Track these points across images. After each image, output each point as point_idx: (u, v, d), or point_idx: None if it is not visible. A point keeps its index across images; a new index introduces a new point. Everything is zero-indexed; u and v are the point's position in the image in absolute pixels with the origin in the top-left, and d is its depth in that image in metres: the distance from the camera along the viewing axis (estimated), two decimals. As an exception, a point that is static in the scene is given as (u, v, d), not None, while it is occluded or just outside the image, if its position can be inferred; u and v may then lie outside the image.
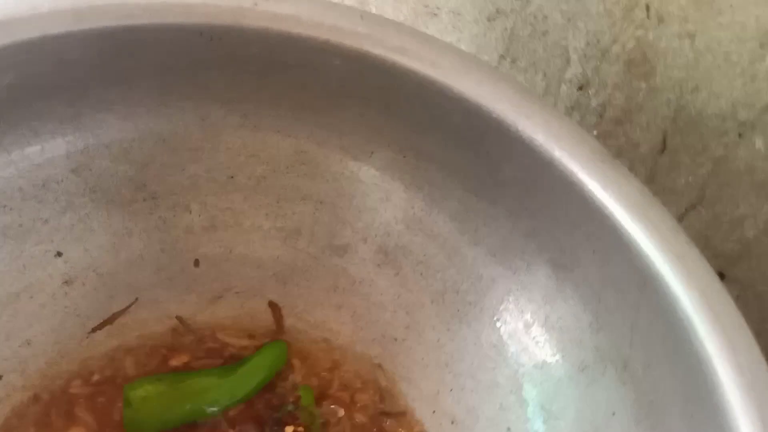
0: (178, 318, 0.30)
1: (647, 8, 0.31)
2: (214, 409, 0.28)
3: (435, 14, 0.37)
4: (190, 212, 0.30)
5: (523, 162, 0.26)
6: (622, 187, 0.24)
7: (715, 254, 0.41)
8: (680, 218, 0.40)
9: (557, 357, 0.28)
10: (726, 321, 0.22)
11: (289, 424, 0.27)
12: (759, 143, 0.34)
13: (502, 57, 0.36)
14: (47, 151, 0.26)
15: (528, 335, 0.29)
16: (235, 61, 0.27)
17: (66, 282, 0.28)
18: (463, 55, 0.26)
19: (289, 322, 0.31)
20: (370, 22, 0.26)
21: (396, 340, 0.31)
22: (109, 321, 0.29)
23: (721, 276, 0.43)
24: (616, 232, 0.24)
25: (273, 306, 0.31)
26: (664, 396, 0.24)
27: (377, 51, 0.26)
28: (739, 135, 0.34)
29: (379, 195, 0.30)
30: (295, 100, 0.29)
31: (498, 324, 0.29)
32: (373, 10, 0.39)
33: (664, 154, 0.37)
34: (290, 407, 0.28)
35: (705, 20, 0.30)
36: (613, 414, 0.25)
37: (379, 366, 0.31)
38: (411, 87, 0.26)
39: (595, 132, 0.37)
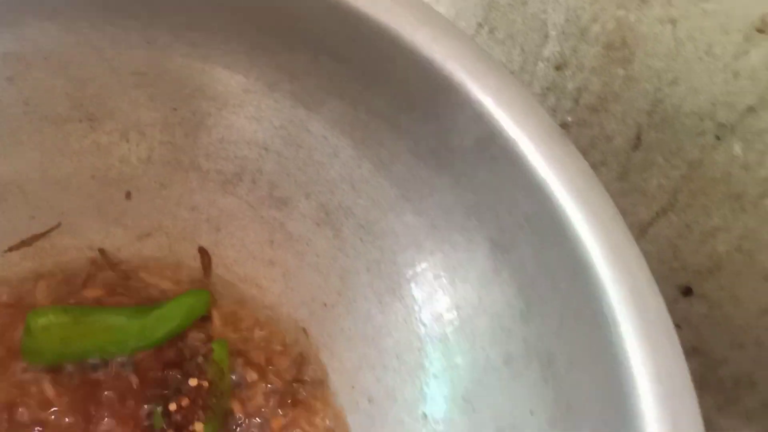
0: (101, 250, 0.29)
1: (633, -12, 0.29)
2: (120, 350, 0.26)
3: (417, -27, 0.35)
4: (128, 141, 0.29)
5: (471, 129, 0.24)
6: (567, 168, 0.22)
7: (683, 266, 0.39)
8: (650, 223, 0.38)
9: (485, 346, 0.26)
10: (653, 327, 0.20)
11: (193, 377, 0.26)
12: (737, 149, 0.32)
13: (480, 25, 0.34)
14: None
15: (459, 317, 0.27)
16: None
17: (-13, 194, 0.27)
18: (422, 6, 0.25)
19: (217, 271, 0.30)
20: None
21: (325, 305, 0.30)
22: (27, 242, 0.28)
23: (689, 291, 0.41)
24: (556, 215, 0.22)
25: (203, 252, 0.30)
26: (581, 400, 0.22)
27: (334, -7, 0.24)
28: (717, 137, 0.32)
29: (328, 150, 0.29)
30: (249, 37, 0.27)
31: (430, 301, 0.28)
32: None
33: (638, 151, 0.35)
34: (200, 359, 0.27)
35: (688, 5, 0.28)
36: (531, 413, 0.24)
37: (304, 331, 0.30)
38: (365, 33, 0.25)
39: (569, 118, 0.36)
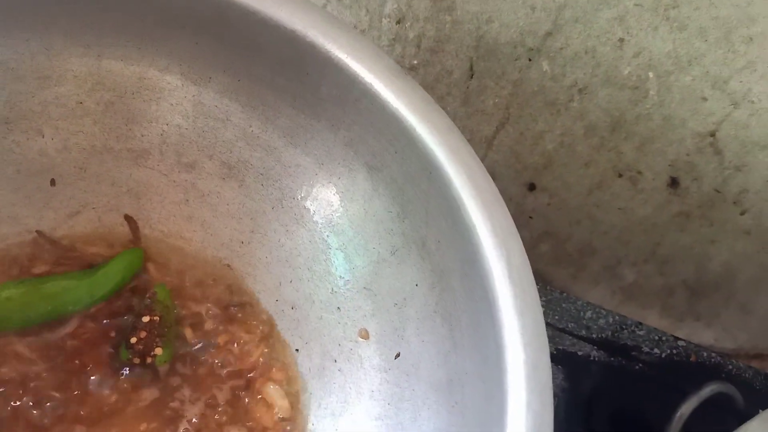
0: (38, 232, 0.33)
1: (442, -50, 0.36)
2: (76, 307, 0.31)
3: (267, -46, 0.40)
4: (43, 136, 0.33)
5: (335, 80, 0.31)
6: (410, 96, 0.29)
7: (525, 167, 0.48)
8: (493, 135, 0.47)
9: (375, 245, 0.33)
10: (487, 196, 0.28)
11: (145, 316, 0.31)
12: (545, 66, 0.40)
13: (328, -5, 0.40)
14: None
15: (352, 229, 0.34)
16: (75, -6, 0.30)
17: (-75, 201, 0.30)
18: (280, -12, 0.31)
19: (144, 232, 0.35)
20: (197, -41, 0.30)
21: (242, 243, 0.36)
22: (-30, 236, 0.32)
23: (532, 186, 0.50)
24: (407, 133, 0.29)
25: (129, 219, 0.35)
26: (448, 263, 0.30)
27: (204, -17, 0.30)
28: (529, 60, 0.40)
29: (220, 116, 0.34)
30: (136, 31, 0.32)
31: (328, 223, 0.34)
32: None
33: (473, 79, 0.43)
34: (147, 302, 0.32)
35: (487, -39, 0.36)
36: (416, 285, 0.31)
37: (228, 266, 0.35)
38: (236, 17, 0.30)
39: (415, 61, 0.43)
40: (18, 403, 0.28)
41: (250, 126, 0.34)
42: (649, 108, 0.41)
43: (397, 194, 0.32)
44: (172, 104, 0.34)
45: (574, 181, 0.48)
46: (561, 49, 0.39)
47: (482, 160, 0.48)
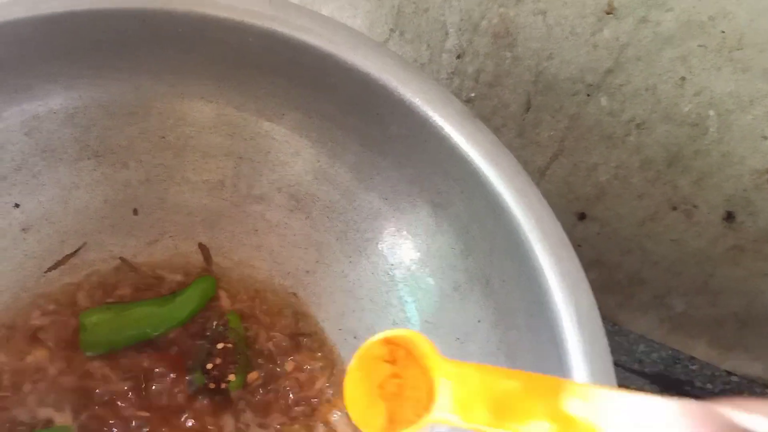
0: (121, 258, 0.35)
1: (508, -9, 0.37)
2: (156, 332, 0.33)
3: (335, -6, 0.42)
4: (128, 168, 0.35)
5: (405, 121, 0.32)
6: (478, 139, 0.30)
7: (576, 197, 0.49)
8: (546, 167, 0.48)
9: (437, 280, 0.34)
10: (555, 240, 0.29)
11: (220, 342, 0.33)
12: (604, 101, 0.41)
13: (392, 30, 0.42)
14: (4, 117, 0.30)
15: (413, 263, 0.35)
16: (163, 39, 0.32)
17: (24, 229, 0.33)
18: (354, 33, 0.32)
19: (216, 260, 0.37)
20: (276, 6, 0.31)
21: (308, 272, 0.37)
22: (61, 262, 0.34)
23: (583, 216, 0.51)
24: (476, 175, 0.30)
25: (202, 247, 0.37)
26: (514, 302, 0.31)
27: (283, 30, 0.31)
28: (588, 95, 0.41)
29: (290, 150, 0.36)
30: (216, 72, 0.34)
31: (390, 255, 0.36)
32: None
33: (530, 112, 0.44)
34: (220, 329, 0.34)
35: (552, 0, 0.37)
36: (479, 321, 0.32)
37: (294, 294, 0.37)
38: (312, 60, 0.32)
39: (473, 94, 0.44)
40: (112, 421, 0.30)
41: (318, 161, 0.36)
42: (707, 144, 0.41)
43: (462, 232, 0.33)
44: (245, 138, 0.36)
45: (627, 212, 0.48)
46: (621, 85, 0.40)
47: (536, 190, 0.49)
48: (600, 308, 0.56)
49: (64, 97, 0.32)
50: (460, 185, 0.32)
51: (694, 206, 0.46)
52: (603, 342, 0.26)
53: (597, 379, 0.25)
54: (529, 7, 0.38)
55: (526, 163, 0.48)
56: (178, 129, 0.35)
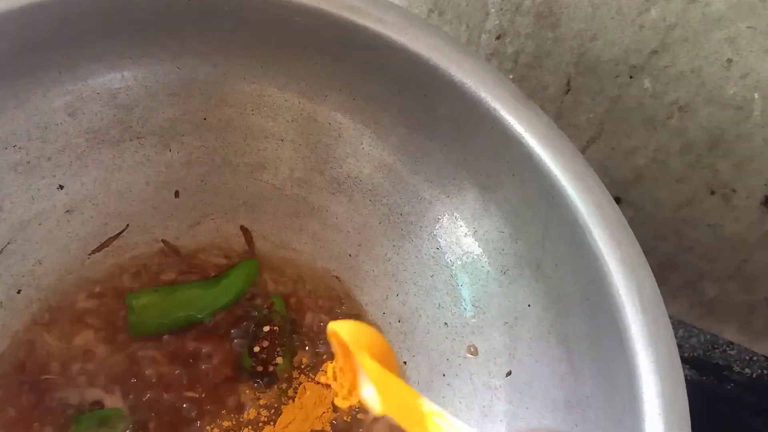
0: (164, 241, 0.35)
1: (554, -30, 0.37)
2: (202, 314, 0.33)
3: (376, -28, 0.41)
4: (170, 150, 0.35)
5: (454, 103, 0.31)
6: (533, 122, 0.30)
7: (612, 181, 0.49)
8: (583, 150, 0.47)
9: (484, 263, 0.34)
10: (614, 224, 0.28)
11: (266, 325, 0.33)
12: (647, 83, 0.41)
13: (430, 10, 0.41)
14: (49, 98, 0.30)
15: (459, 247, 0.35)
16: (208, 18, 0.31)
17: (68, 211, 0.32)
18: (404, 12, 0.31)
19: (258, 243, 0.36)
20: (326, -16, 0.31)
21: (350, 255, 0.37)
22: (105, 244, 0.33)
23: (618, 200, 0.51)
24: (530, 158, 0.30)
25: (244, 230, 0.36)
26: (567, 287, 0.30)
27: (331, 9, 0.31)
28: (630, 77, 0.40)
29: (333, 133, 0.36)
30: (260, 52, 0.33)
31: (435, 238, 0.35)
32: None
33: (569, 95, 0.43)
34: (265, 311, 0.33)
35: (601, -20, 0.36)
36: (529, 305, 0.32)
37: (337, 278, 0.37)
38: (360, 40, 0.31)
39: (511, 76, 0.44)
40: (162, 403, 0.30)
41: (361, 143, 0.35)
42: (751, 128, 0.41)
43: (511, 215, 0.32)
44: (288, 121, 0.35)
45: (664, 196, 0.48)
46: (666, 67, 0.39)
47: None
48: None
49: (108, 77, 0.32)
50: (511, 168, 0.31)
51: (733, 191, 0.45)
52: (667, 327, 0.26)
53: (663, 364, 0.24)
54: (574, -14, 0.37)
55: (562, 147, 0.48)
56: (220, 110, 0.35)
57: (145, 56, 0.32)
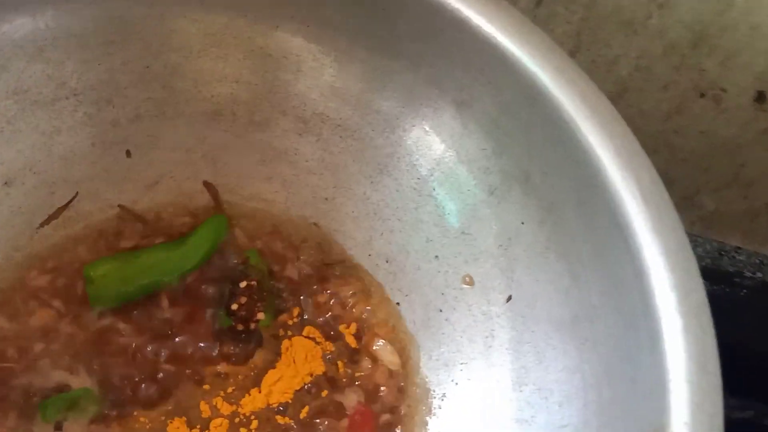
0: (120, 206, 0.32)
1: None
2: (169, 278, 0.30)
3: None
4: (113, 106, 0.32)
5: (415, 12, 0.28)
6: (504, 19, 0.27)
7: (596, 97, 0.46)
8: (563, 66, 0.44)
9: (470, 186, 0.31)
10: (604, 115, 0.26)
11: (242, 281, 0.30)
12: (620, -17, 0.38)
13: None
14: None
15: (441, 172, 0.32)
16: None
17: (6, 183, 0.29)
18: None
19: (225, 197, 0.34)
20: None
21: (326, 199, 0.34)
22: (54, 216, 0.30)
23: (604, 117, 0.48)
24: (504, 59, 0.27)
25: (208, 185, 0.33)
26: (560, 194, 0.28)
27: None
28: (602, -22, 0.38)
29: (291, 67, 0.33)
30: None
31: (415, 168, 0.33)
32: None
33: (541, 7, 0.40)
34: (241, 267, 0.31)
35: None
36: (522, 223, 0.30)
37: (315, 224, 0.34)
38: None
39: (479, -8, 0.41)
40: (136, 379, 0.27)
41: (323, 75, 0.33)
42: (735, 17, 0.38)
43: (492, 129, 0.30)
44: (239, 59, 0.32)
45: (651, 106, 0.45)
46: (638, -39, 0.37)
47: (553, 94, 0.46)
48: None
49: (30, 28, 0.29)
50: (485, 75, 0.29)
51: (723, 90, 0.43)
52: (672, 216, 0.23)
53: (673, 253, 0.22)
54: None
55: (539, 66, 0.45)
56: (163, 56, 0.32)
57: (68, 3, 0.29)
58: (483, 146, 0.30)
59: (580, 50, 0.43)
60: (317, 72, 0.33)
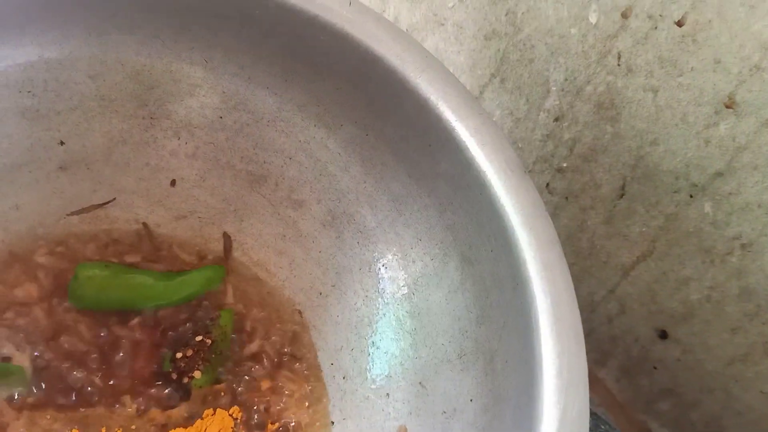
0: (144, 224, 0.35)
1: (618, 57, 0.33)
2: (143, 305, 0.32)
3: (442, 24, 0.40)
4: (179, 138, 0.35)
5: (454, 159, 0.29)
6: (520, 198, 0.27)
7: (660, 310, 0.43)
8: (632, 267, 0.42)
9: (445, 341, 0.30)
10: (566, 331, 0.24)
11: (200, 334, 0.31)
12: (707, 208, 0.36)
13: (492, 75, 0.39)
14: (74, 56, 0.31)
15: (428, 317, 0.31)
16: (242, 18, 0.31)
17: (61, 168, 0.33)
18: (426, 54, 0.30)
19: (235, 254, 0.35)
20: (356, 9, 0.30)
21: (321, 294, 0.34)
22: (86, 210, 0.34)
23: (664, 334, 0.44)
24: (506, 236, 0.26)
25: (226, 237, 0.35)
26: (508, 391, 0.26)
27: (356, 34, 0.30)
28: (690, 196, 0.36)
29: (340, 164, 0.34)
30: (286, 64, 0.33)
31: (406, 300, 0.32)
32: (391, 10, 0.43)
33: (623, 199, 0.39)
34: (208, 321, 0.32)
35: (667, 78, 0.32)
36: (471, 400, 0.28)
37: (299, 313, 0.34)
38: (379, 72, 0.30)
39: (564, 164, 0.40)
40: (68, 379, 0.29)
41: (365, 182, 0.34)
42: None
43: (482, 296, 0.29)
44: (300, 140, 0.34)
45: (716, 343, 0.41)
46: (730, 194, 0.34)
47: (613, 289, 0.43)
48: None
49: (136, 51, 0.32)
50: (490, 243, 0.28)
51: (797, 361, 0.38)
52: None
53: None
54: (640, 81, 0.34)
55: (609, 256, 0.43)
56: (237, 113, 0.34)
57: (175, 41, 0.32)
58: (470, 309, 0.30)
59: (652, 256, 0.40)
60: (361, 177, 0.34)
